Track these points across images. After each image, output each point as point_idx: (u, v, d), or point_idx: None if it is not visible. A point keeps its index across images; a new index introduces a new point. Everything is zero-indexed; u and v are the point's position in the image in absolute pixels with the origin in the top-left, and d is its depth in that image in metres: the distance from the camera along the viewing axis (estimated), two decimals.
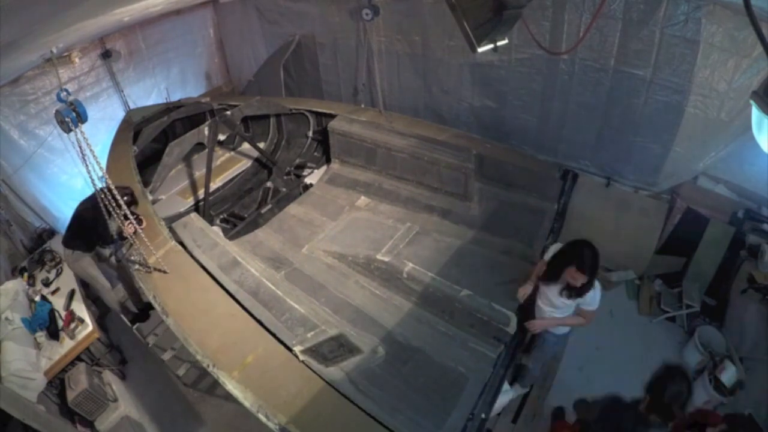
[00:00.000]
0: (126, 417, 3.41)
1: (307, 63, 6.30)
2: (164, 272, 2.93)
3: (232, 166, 5.09)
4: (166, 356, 3.58)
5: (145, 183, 3.95)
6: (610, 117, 4.17)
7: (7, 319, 3.32)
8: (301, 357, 2.43)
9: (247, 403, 2.26)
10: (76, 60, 5.41)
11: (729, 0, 3.10)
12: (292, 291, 2.97)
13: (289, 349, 2.47)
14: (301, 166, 5.16)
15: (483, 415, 2.39)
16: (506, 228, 3.61)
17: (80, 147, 2.46)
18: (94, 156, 2.56)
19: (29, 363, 3.12)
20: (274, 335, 2.55)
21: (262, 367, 2.39)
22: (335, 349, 2.59)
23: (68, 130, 2.39)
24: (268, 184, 4.92)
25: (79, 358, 3.52)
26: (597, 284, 2.57)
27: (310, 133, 5.30)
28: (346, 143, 4.59)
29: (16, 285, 3.69)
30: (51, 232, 5.03)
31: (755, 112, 1.34)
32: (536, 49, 4.13)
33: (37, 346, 3.39)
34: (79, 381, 3.26)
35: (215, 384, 3.37)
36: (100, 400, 3.31)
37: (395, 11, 4.94)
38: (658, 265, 4.35)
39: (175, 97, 6.73)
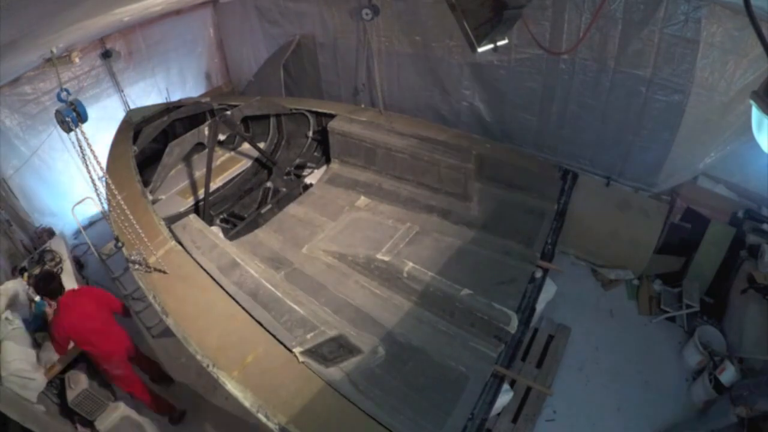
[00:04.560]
0: (126, 417, 3.40)
1: (307, 63, 6.30)
2: (164, 272, 2.93)
3: (232, 166, 5.09)
4: None
5: (145, 183, 3.95)
6: (610, 117, 4.17)
7: (7, 319, 3.32)
8: (301, 359, 2.43)
9: (247, 403, 2.26)
10: (76, 60, 5.41)
11: (729, 0, 3.10)
12: (292, 291, 2.97)
13: (290, 350, 2.47)
14: (301, 166, 5.16)
15: (483, 415, 2.39)
16: (506, 228, 3.61)
17: (80, 147, 2.47)
18: (94, 156, 2.57)
19: (29, 363, 3.12)
20: (274, 336, 2.55)
21: (262, 367, 2.39)
22: (335, 349, 2.59)
23: (69, 130, 2.39)
24: (268, 184, 4.92)
25: (79, 358, 3.53)
26: None
27: (310, 133, 5.29)
28: (345, 143, 4.59)
29: (16, 285, 3.68)
30: (51, 232, 5.04)
31: (755, 112, 1.34)
32: (536, 49, 4.14)
33: (37, 346, 3.39)
34: (79, 381, 3.26)
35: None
36: (100, 400, 3.31)
37: (395, 11, 4.95)
38: (658, 264, 4.35)
39: (175, 97, 6.73)
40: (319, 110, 5.02)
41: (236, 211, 4.63)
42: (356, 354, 2.62)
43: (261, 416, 2.20)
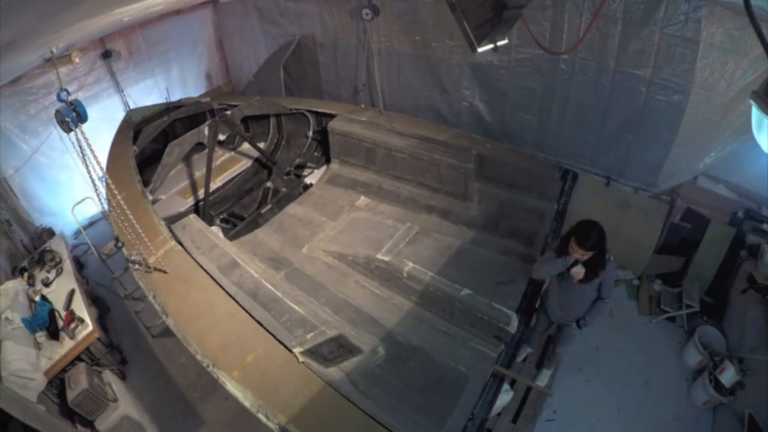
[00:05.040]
0: (126, 417, 3.40)
1: (307, 63, 6.30)
2: (164, 272, 2.93)
3: (232, 166, 5.09)
4: None
5: (145, 183, 3.96)
6: (610, 117, 4.17)
7: (7, 319, 3.32)
8: (301, 359, 2.43)
9: (247, 403, 2.26)
10: (76, 60, 5.42)
11: (729, 0, 3.10)
12: (292, 291, 2.97)
13: (290, 350, 2.47)
14: (301, 166, 5.16)
15: (483, 415, 2.39)
16: (506, 228, 3.61)
17: (80, 147, 2.47)
18: (94, 156, 2.57)
19: (29, 363, 3.12)
20: (274, 336, 2.55)
21: (262, 367, 2.39)
22: (335, 349, 2.60)
23: (68, 130, 2.40)
24: (268, 184, 4.92)
25: (79, 358, 3.52)
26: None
27: (310, 133, 5.30)
28: (345, 143, 4.59)
29: (16, 285, 3.68)
30: (51, 232, 5.04)
31: (755, 112, 1.34)
32: (536, 49, 4.13)
33: (37, 346, 3.39)
34: (79, 381, 3.26)
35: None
36: (100, 400, 3.31)
37: (395, 11, 4.95)
38: (658, 264, 4.35)
39: (175, 97, 6.73)
40: (319, 110, 5.02)
41: (236, 211, 4.63)
42: (356, 354, 2.62)
43: (261, 416, 2.20)
